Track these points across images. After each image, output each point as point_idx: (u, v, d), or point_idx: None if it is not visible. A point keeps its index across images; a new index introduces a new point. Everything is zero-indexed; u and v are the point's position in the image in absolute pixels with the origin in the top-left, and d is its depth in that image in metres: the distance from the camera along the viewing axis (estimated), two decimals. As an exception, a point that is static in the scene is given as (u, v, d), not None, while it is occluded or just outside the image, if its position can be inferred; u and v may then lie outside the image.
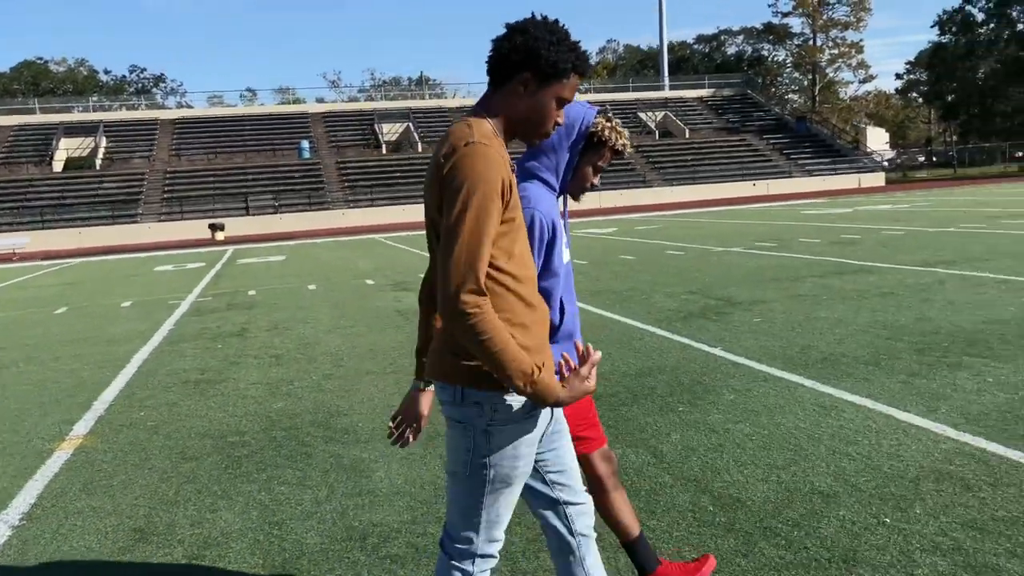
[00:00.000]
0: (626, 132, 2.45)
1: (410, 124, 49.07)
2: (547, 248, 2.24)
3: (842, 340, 6.38)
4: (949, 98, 55.19)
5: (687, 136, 51.60)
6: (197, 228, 36.52)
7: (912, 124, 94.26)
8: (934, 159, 72.70)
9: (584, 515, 2.11)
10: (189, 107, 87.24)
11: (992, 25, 51.94)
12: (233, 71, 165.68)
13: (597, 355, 1.89)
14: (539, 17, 1.84)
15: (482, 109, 1.88)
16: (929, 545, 2.95)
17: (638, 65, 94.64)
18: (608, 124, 2.38)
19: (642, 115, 53.52)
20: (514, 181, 1.82)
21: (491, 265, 1.80)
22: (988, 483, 3.46)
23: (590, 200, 41.74)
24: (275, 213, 38.61)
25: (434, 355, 1.92)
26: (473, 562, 1.99)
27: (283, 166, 43.51)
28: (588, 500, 2.13)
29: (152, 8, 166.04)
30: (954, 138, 68.01)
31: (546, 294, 2.28)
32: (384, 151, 46.81)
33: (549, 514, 2.11)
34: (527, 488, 2.12)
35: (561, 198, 2.45)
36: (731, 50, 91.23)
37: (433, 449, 4.39)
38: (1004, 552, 2.86)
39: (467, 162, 1.71)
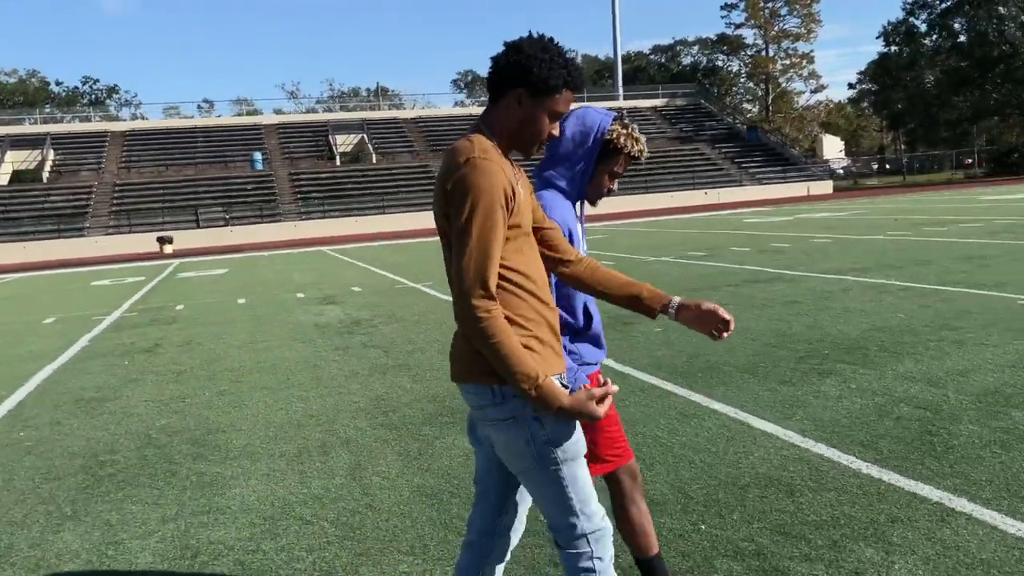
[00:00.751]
0: (643, 138, 2.48)
1: (365, 135, 48.95)
2: None
3: (732, 349, 6.52)
4: (896, 107, 56.34)
5: (641, 146, 52.02)
6: (145, 242, 36.04)
7: (865, 133, 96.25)
8: (887, 167, 74.34)
9: (513, 533, 2.25)
10: (144, 119, 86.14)
11: (935, 36, 53.28)
12: (191, 82, 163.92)
13: (613, 388, 1.96)
14: (535, 35, 1.95)
15: (482, 124, 1.99)
16: (732, 551, 3.05)
17: (595, 75, 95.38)
18: (624, 131, 2.42)
19: (597, 125, 53.93)
20: (517, 190, 1.92)
21: (503, 266, 1.92)
22: (812, 488, 3.58)
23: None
24: (226, 226, 38.24)
25: (461, 362, 1.97)
26: (587, 541, 2.02)
27: (235, 178, 43.13)
28: (521, 528, 2.27)
29: (111, 14, 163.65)
30: (903, 147, 69.69)
31: (568, 297, 2.37)
32: (338, 162, 46.63)
33: (489, 504, 2.21)
34: (491, 463, 2.18)
35: (579, 203, 2.49)
36: (686, 60, 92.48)
37: (298, 466, 4.42)
38: (799, 556, 2.97)
39: (468, 177, 1.82)
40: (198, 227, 37.99)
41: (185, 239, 36.78)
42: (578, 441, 1.98)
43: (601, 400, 1.90)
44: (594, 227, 28.75)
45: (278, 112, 74.61)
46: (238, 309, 11.83)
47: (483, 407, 1.95)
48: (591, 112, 2.38)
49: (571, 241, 2.29)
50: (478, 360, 1.92)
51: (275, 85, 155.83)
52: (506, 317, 1.91)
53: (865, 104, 75.56)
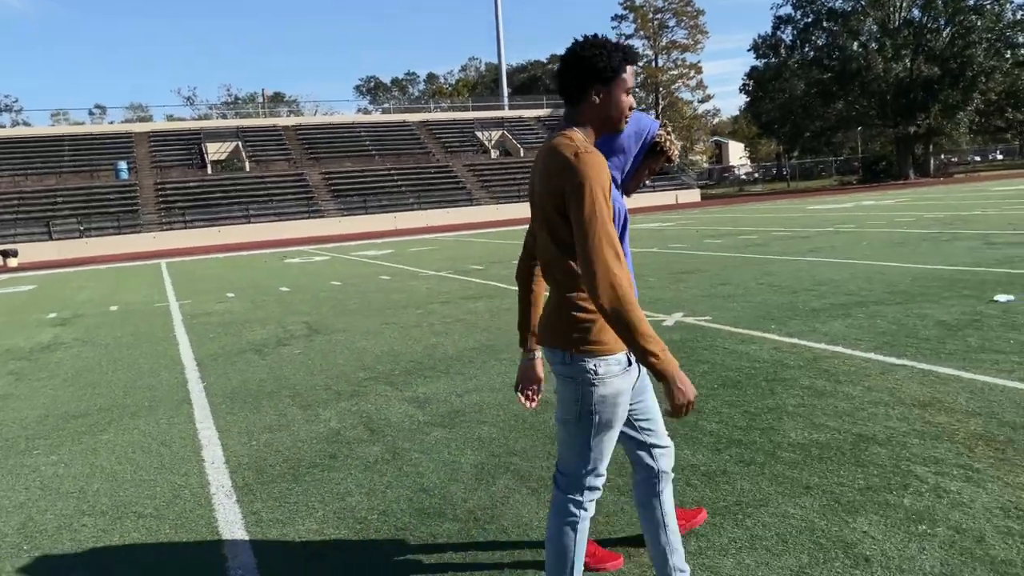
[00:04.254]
0: (680, 144, 2.89)
1: (239, 143, 48.30)
2: (620, 232, 2.66)
3: (314, 374, 6.87)
4: (765, 117, 58.63)
5: (522, 155, 52.87)
6: (-10, 255, 34.74)
7: (763, 139, 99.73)
8: (785, 172, 77.11)
9: (666, 456, 2.64)
10: (27, 124, 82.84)
11: (798, 51, 55.68)
12: (84, 87, 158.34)
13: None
14: (581, 38, 2.29)
15: (570, 123, 2.33)
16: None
17: (492, 84, 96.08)
18: (669, 137, 2.78)
19: (479, 134, 54.56)
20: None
21: None
22: (158, 514, 3.90)
23: (406, 220, 42.13)
24: (80, 237, 37.20)
25: (547, 327, 2.37)
26: (582, 493, 2.44)
27: (98, 188, 41.96)
28: (670, 444, 2.67)
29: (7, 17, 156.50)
30: (792, 154, 72.47)
31: None
32: (209, 171, 45.88)
33: (640, 454, 2.63)
34: (622, 434, 2.62)
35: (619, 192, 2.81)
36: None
37: None
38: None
39: (584, 168, 2.15)
40: (51, 239, 36.84)
41: (37, 252, 35.63)
42: (615, 415, 2.36)
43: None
44: (440, 238, 29.09)
45: (170, 118, 73.14)
46: (-32, 332, 11.66)
47: (555, 364, 2.35)
48: (644, 117, 2.75)
49: (624, 224, 2.54)
50: (561, 330, 2.31)
51: (170, 91, 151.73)
52: None
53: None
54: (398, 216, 42.24)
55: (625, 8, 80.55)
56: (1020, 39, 50.55)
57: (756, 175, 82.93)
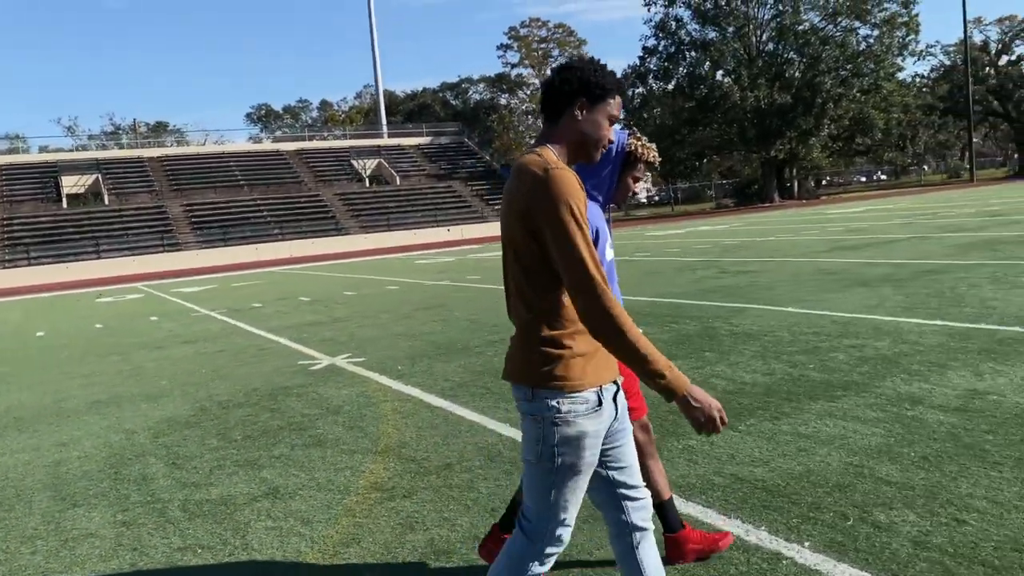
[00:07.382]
0: (654, 146, 2.88)
1: (99, 176, 46.92)
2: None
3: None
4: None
5: (398, 183, 53.03)
6: None
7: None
8: (678, 196, 79.64)
9: (641, 509, 2.32)
10: None
11: (661, 81, 57.85)
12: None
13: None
14: (577, 58, 2.22)
15: (545, 141, 2.17)
16: None
17: (386, 112, 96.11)
18: (639, 143, 2.82)
19: (355, 163, 54.49)
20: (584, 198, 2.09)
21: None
22: None
23: (268, 251, 41.48)
24: (-92, 278, 35.43)
25: (511, 360, 2.18)
26: (544, 542, 2.22)
27: (-63, 225, 40.08)
28: (647, 495, 2.34)
29: None
30: (668, 179, 74.83)
31: None
32: (65, 205, 44.38)
33: (611, 505, 2.32)
34: (591, 479, 2.31)
35: (609, 207, 2.90)
36: (475, 97, 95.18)
37: None
38: None
39: (554, 186, 1.99)
40: None
41: None
42: (581, 460, 2.14)
43: (718, 418, 2.05)
44: (285, 271, 28.86)
45: (43, 149, 70.43)
46: None
47: (519, 400, 2.18)
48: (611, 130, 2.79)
49: (598, 238, 2.55)
50: (524, 364, 2.13)
51: (50, 120, 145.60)
52: (569, 323, 2.12)
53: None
54: (260, 247, 41.66)
55: (510, 38, 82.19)
56: (866, 69, 53.70)
57: (656, 198, 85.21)
